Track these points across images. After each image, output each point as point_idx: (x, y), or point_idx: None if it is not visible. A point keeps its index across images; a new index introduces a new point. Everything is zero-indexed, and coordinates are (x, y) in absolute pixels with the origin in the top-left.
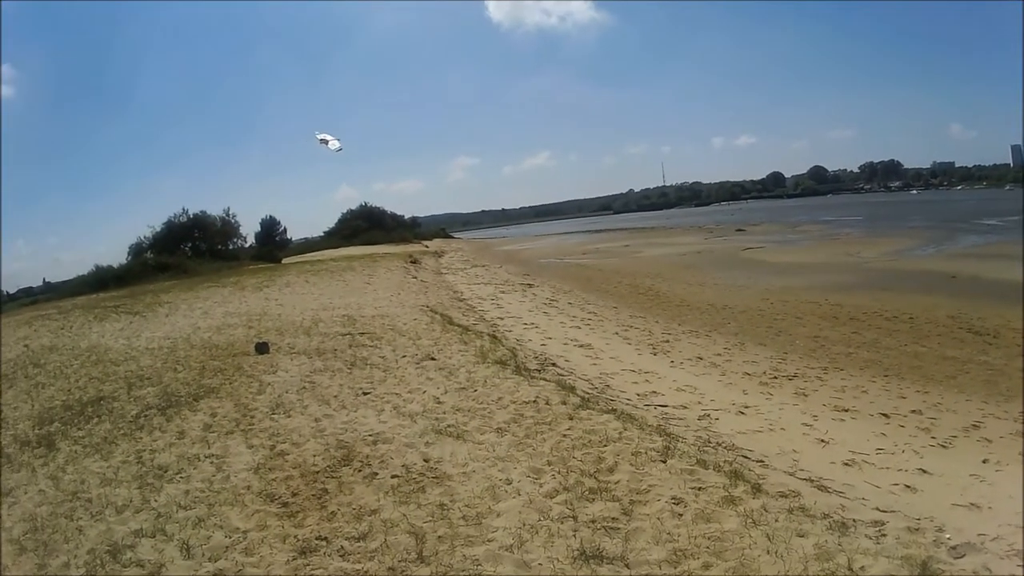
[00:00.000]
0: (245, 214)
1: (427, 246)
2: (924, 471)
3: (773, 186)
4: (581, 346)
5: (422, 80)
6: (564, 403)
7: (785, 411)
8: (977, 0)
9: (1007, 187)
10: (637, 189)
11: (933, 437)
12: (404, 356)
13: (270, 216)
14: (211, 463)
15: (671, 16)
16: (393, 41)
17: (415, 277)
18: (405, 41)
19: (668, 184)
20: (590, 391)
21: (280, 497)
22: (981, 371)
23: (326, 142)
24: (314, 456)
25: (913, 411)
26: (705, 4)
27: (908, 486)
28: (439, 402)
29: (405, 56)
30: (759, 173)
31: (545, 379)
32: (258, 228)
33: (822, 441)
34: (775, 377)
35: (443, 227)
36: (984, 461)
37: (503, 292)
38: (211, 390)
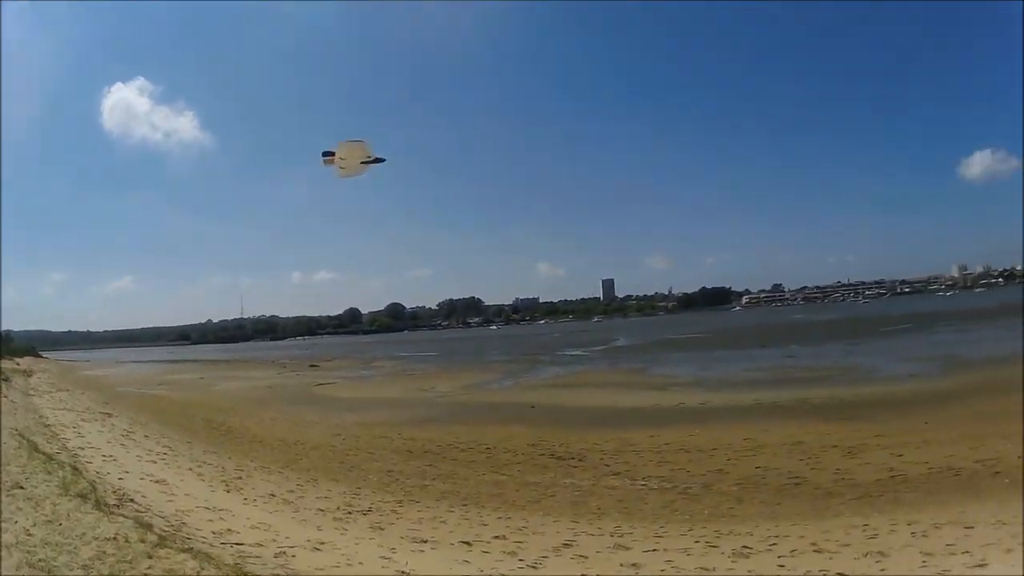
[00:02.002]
0: None
1: (19, 363)
2: None
3: (350, 321)
4: (157, 481)
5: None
6: (142, 541)
7: (361, 545)
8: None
9: (595, 319)
10: (216, 320)
11: (521, 560)
12: None
13: None
14: None
15: (263, 142)
16: None
17: (6, 396)
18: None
19: (246, 317)
20: (167, 529)
21: None
22: (567, 493)
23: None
24: None
25: (496, 537)
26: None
27: None
28: (29, 534)
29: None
30: (336, 309)
31: (123, 515)
32: None
33: (403, 573)
34: (349, 512)
35: (33, 344)
36: None
37: (84, 420)
38: None
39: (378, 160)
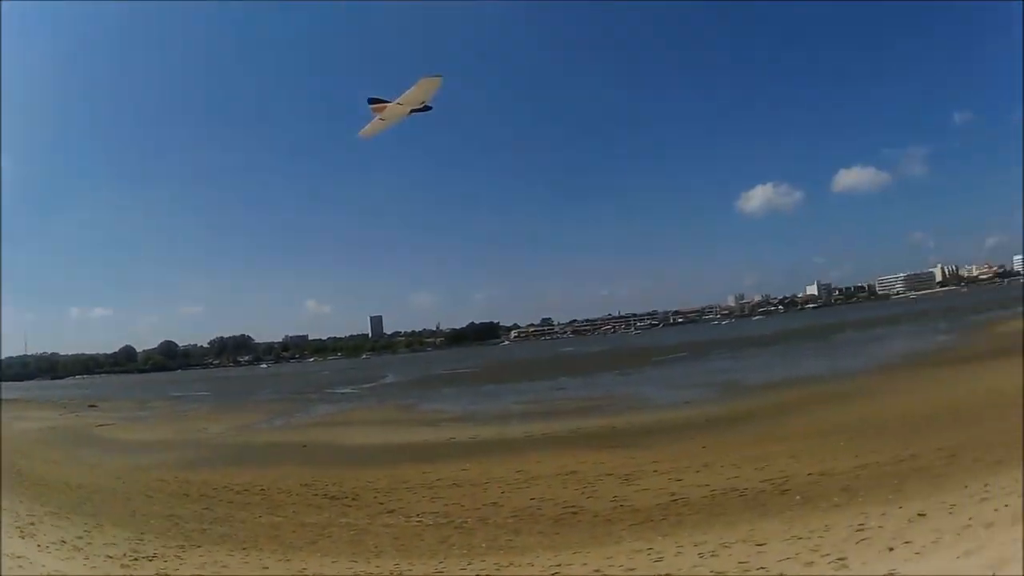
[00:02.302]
0: None
1: None
2: None
3: (125, 360)
4: None
5: None
6: None
7: None
8: None
9: (364, 356)
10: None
11: None
12: None
13: None
14: None
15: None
16: None
17: None
18: None
19: (29, 354)
20: None
21: None
22: (344, 533)
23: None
24: None
25: None
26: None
27: None
28: None
29: None
30: (113, 346)
31: None
32: None
33: None
34: (135, 559)
35: None
36: None
37: None
38: None
39: (427, 108)
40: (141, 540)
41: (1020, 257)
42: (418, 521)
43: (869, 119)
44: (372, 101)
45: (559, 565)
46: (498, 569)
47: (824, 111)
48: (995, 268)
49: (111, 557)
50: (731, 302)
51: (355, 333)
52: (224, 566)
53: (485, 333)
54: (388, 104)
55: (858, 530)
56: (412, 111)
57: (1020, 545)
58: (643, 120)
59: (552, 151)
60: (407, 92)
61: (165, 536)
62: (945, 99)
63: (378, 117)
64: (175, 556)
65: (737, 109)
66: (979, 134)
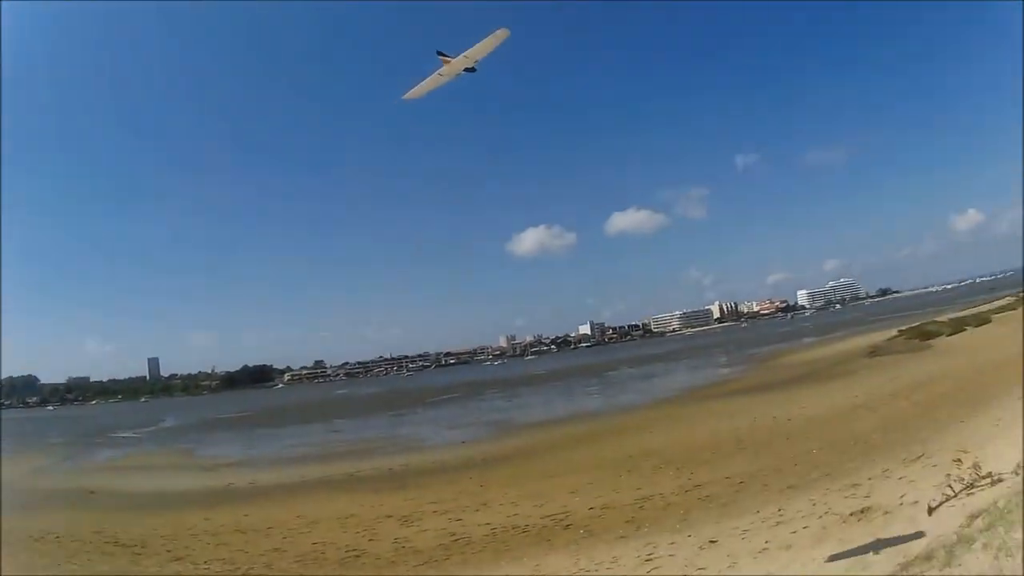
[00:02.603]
0: None
1: None
2: None
3: None
4: None
5: None
6: None
7: None
8: None
9: (143, 399)
10: None
11: None
12: None
13: None
14: None
15: None
16: None
17: None
18: None
19: None
20: None
21: None
22: None
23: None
24: None
25: None
26: None
27: None
28: None
29: None
30: None
31: None
32: None
33: None
34: None
35: None
36: None
37: None
38: None
39: (472, 69)
40: None
41: (805, 292)
42: (206, 568)
43: (646, 161)
44: (440, 54)
45: None
46: None
47: (597, 154)
48: (777, 303)
49: None
50: (503, 343)
51: (134, 375)
52: None
53: (259, 376)
54: (452, 59)
55: (647, 560)
56: (464, 70)
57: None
58: (412, 159)
59: (315, 197)
60: (477, 45)
61: None
62: (728, 142)
63: (437, 72)
64: None
65: (507, 151)
66: (761, 175)
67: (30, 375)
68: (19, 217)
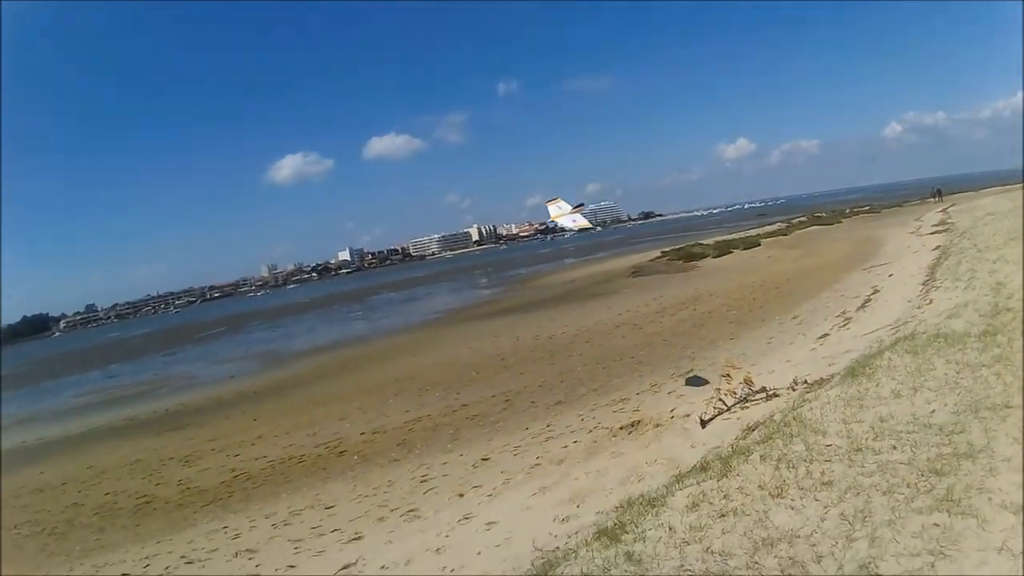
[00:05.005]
0: None
1: None
2: None
3: None
4: None
5: None
6: None
7: None
8: None
9: None
10: None
11: None
12: None
13: None
14: None
15: None
16: None
17: None
18: None
19: None
20: None
21: None
22: None
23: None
24: None
25: None
26: None
27: None
28: None
29: None
30: None
31: None
32: None
33: None
34: None
35: None
36: None
37: None
38: None
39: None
40: None
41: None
42: (16, 532)
43: (403, 87)
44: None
45: (148, 557)
46: (96, 570)
47: (356, 79)
48: (536, 225)
49: None
50: (265, 273)
51: None
52: None
53: (38, 326)
54: None
55: (423, 481)
56: None
57: (596, 476)
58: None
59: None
60: None
61: None
62: (489, 69)
63: None
64: None
65: (262, 78)
66: (523, 101)
67: None
68: None
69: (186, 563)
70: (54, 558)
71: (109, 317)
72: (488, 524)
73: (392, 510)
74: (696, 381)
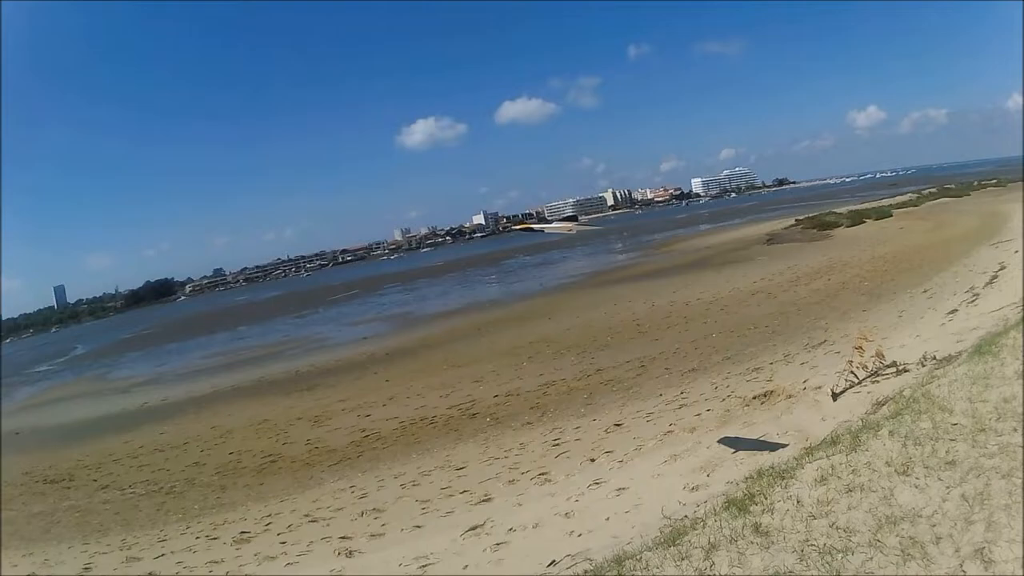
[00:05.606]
0: None
1: None
2: None
3: None
4: None
5: None
6: None
7: None
8: None
9: (53, 329)
10: None
11: None
12: None
13: None
14: None
15: None
16: None
17: None
18: None
19: None
20: None
21: None
22: (70, 516)
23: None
24: None
25: None
26: None
27: None
28: None
29: None
30: None
31: None
32: None
33: None
34: None
35: None
36: None
37: None
38: None
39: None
40: None
41: (699, 180)
42: (132, 492)
43: (535, 51)
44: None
45: (270, 515)
46: (215, 528)
47: (488, 44)
48: (672, 190)
49: None
50: (398, 236)
51: (41, 308)
52: None
53: (162, 290)
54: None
55: (555, 445)
56: None
57: (726, 447)
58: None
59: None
60: None
61: None
62: (619, 32)
63: None
64: None
65: (393, 42)
66: (654, 65)
67: None
68: None
69: (309, 521)
70: (169, 516)
71: (238, 281)
72: (618, 490)
73: (523, 473)
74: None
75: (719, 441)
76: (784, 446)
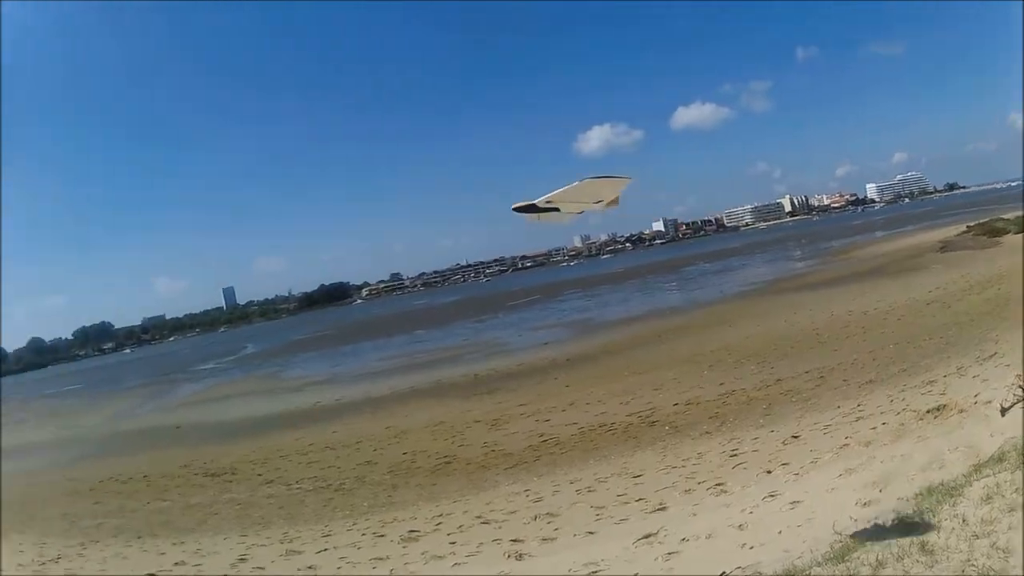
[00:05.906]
0: None
1: None
2: None
3: None
4: None
5: None
6: None
7: None
8: None
9: (221, 329)
10: None
11: None
12: None
13: None
14: None
15: None
16: None
17: None
18: None
19: None
20: None
21: None
22: (230, 508)
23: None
24: None
25: (177, 563)
26: None
27: None
28: None
29: None
30: None
31: None
32: None
33: None
34: (43, 563)
35: None
36: None
37: None
38: None
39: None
40: (44, 544)
41: (873, 185)
42: (298, 488)
43: (707, 57)
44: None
45: (441, 516)
46: (383, 526)
47: (660, 51)
48: (847, 196)
49: (21, 565)
50: (578, 243)
51: (209, 308)
52: (125, 558)
53: (337, 294)
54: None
55: (732, 455)
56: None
57: (901, 461)
58: (480, 63)
59: (389, 105)
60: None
61: (65, 536)
62: (786, 35)
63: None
64: (77, 555)
65: (571, 50)
66: (822, 67)
67: (103, 322)
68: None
69: (481, 523)
70: (336, 512)
71: (415, 285)
72: (792, 503)
73: (699, 483)
74: None
75: None
76: None
